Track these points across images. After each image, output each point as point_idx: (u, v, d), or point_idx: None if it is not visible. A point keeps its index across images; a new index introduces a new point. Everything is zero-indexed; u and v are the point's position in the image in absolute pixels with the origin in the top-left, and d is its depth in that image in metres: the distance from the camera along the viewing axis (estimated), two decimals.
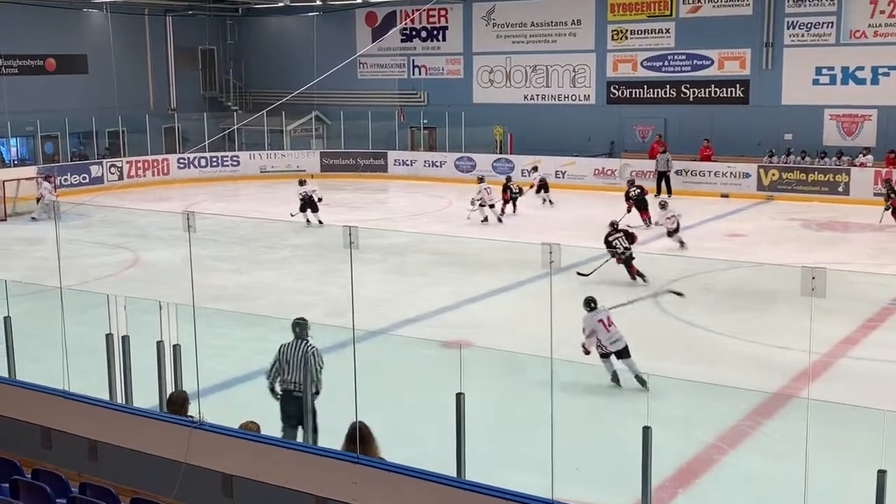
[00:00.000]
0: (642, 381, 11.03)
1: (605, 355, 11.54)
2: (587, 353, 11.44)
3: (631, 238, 17.50)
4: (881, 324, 14.40)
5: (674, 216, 20.34)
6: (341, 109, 34.91)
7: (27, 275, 16.02)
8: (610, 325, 11.59)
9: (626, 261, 16.96)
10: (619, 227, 18.01)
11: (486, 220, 23.74)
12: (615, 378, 11.44)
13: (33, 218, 24.85)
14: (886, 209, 22.77)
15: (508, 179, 26.05)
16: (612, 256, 17.04)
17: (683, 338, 13.91)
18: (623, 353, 11.43)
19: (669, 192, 27.34)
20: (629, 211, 22.68)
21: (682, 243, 20.13)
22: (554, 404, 6.73)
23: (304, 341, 9.60)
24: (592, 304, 11.79)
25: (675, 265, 18.03)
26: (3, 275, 12.60)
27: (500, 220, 23.96)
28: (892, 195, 22.87)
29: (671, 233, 20.28)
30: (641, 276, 16.87)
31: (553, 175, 30.26)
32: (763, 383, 11.40)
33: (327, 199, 25.03)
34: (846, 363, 12.49)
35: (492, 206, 23.97)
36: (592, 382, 10.64)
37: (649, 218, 22.48)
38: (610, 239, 17.45)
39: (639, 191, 23.24)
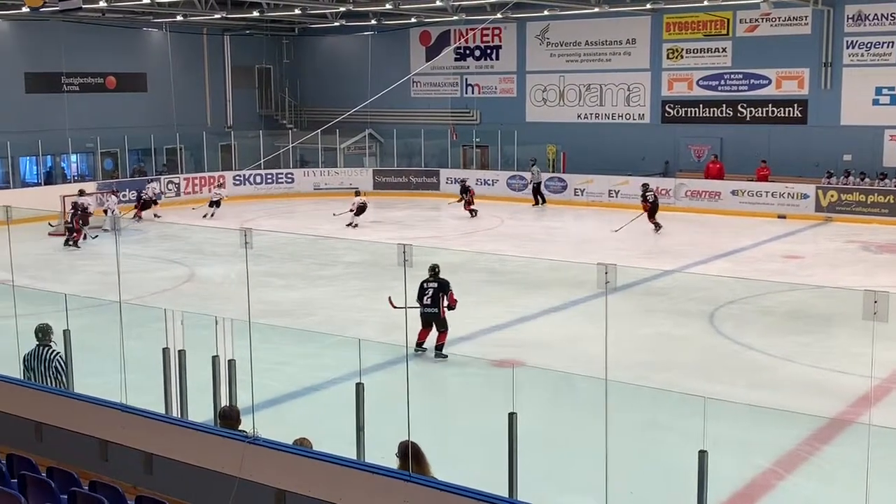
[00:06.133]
0: None
1: None
2: None
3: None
4: None
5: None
6: (394, 127, 35.10)
7: (85, 289, 16.30)
8: None
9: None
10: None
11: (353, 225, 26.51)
12: None
13: (105, 230, 25.29)
14: (645, 213, 25.32)
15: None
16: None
17: (740, 361, 13.71)
18: None
19: (543, 201, 30.63)
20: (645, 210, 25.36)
21: None
22: (608, 426, 6.65)
23: (48, 348, 9.41)
24: None
25: (733, 287, 17.79)
26: (63, 289, 12.84)
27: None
28: (644, 200, 25.47)
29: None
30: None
31: (606, 194, 30.22)
32: (821, 408, 11.18)
33: (380, 217, 25.27)
34: None
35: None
36: (647, 404, 10.51)
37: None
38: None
39: (654, 197, 25.76)
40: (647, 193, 25.42)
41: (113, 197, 26.91)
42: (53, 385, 9.28)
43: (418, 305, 13.46)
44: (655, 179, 29.90)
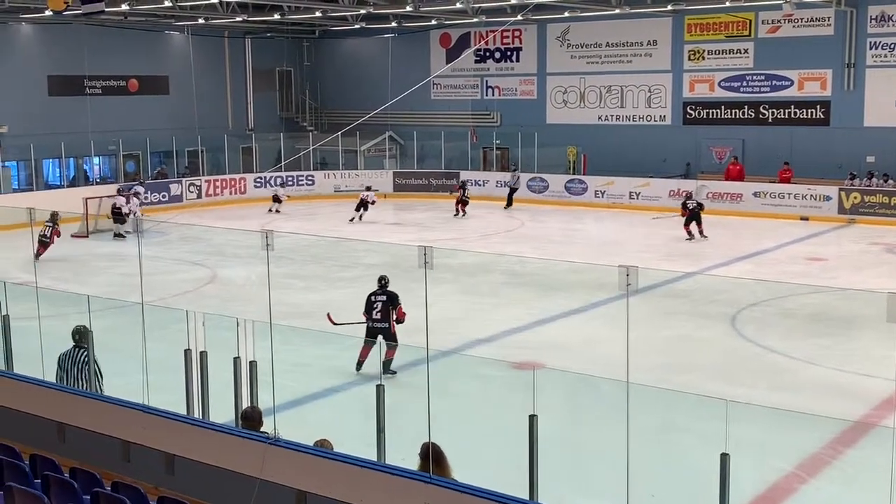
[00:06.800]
0: None
1: None
2: None
3: None
4: None
5: None
6: (415, 130, 35.15)
7: (108, 290, 16.40)
8: None
9: None
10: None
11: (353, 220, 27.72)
12: None
13: (128, 232, 25.56)
14: (684, 215, 24.66)
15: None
16: None
17: (762, 363, 13.63)
18: None
19: (509, 204, 30.51)
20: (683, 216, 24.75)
21: None
22: (629, 429, 6.63)
23: (84, 350, 9.43)
24: None
25: (754, 289, 17.69)
26: (86, 290, 12.90)
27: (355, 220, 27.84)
28: (684, 207, 24.75)
29: None
30: None
31: (627, 196, 30.15)
32: (844, 411, 11.09)
33: (400, 219, 25.45)
34: None
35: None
36: (668, 407, 10.46)
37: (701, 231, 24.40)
38: None
39: (695, 204, 24.62)
40: (689, 201, 24.66)
41: (135, 199, 27.09)
42: (85, 388, 9.34)
43: (364, 320, 12.76)
44: (677, 181, 29.82)
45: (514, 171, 31.96)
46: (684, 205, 24.78)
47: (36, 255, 20.97)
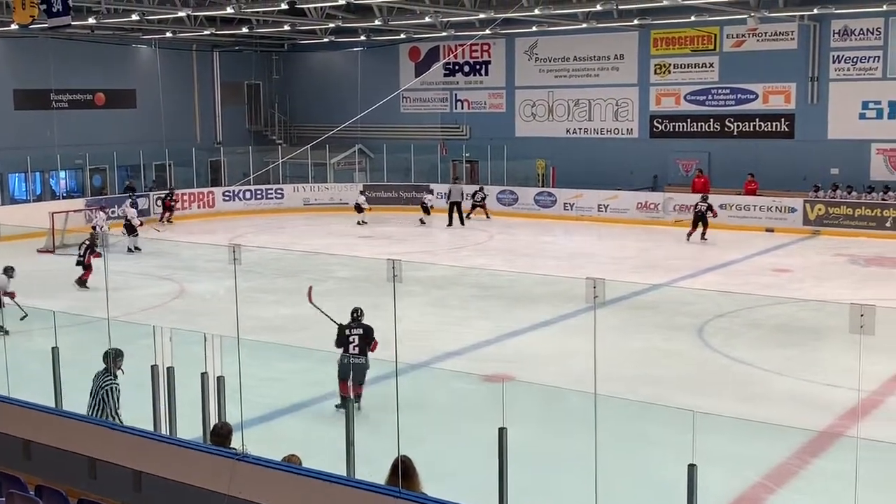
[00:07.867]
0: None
1: None
2: None
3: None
4: None
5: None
6: (384, 143, 35.16)
7: (74, 305, 16.25)
8: None
9: None
10: None
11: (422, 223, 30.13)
12: None
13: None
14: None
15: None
16: None
17: (729, 374, 13.74)
18: None
19: (462, 221, 29.76)
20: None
21: None
22: (598, 440, 6.66)
23: (107, 375, 9.31)
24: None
25: (721, 301, 17.84)
26: (51, 305, 12.79)
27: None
28: (695, 208, 26.13)
29: None
30: None
31: (596, 209, 30.33)
32: (810, 421, 11.21)
33: (370, 232, 25.50)
34: None
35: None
36: (637, 418, 10.52)
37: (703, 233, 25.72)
38: None
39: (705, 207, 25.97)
40: (700, 203, 25.92)
41: (101, 213, 26.85)
42: (97, 413, 9.12)
43: (332, 318, 12.23)
44: (645, 194, 30.05)
45: (456, 181, 31.77)
46: (696, 206, 26.03)
47: (81, 281, 19.99)
